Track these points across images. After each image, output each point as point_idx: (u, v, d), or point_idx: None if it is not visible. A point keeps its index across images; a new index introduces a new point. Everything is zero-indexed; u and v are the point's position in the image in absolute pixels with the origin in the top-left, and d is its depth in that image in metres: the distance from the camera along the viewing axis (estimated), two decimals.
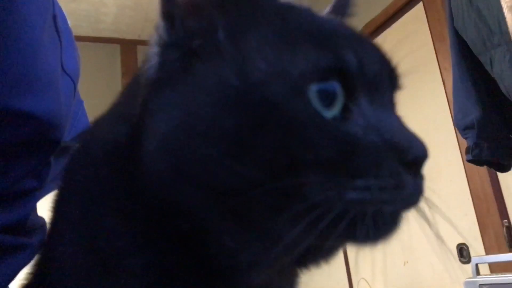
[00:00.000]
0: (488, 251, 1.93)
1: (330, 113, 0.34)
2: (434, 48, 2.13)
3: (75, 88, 0.56)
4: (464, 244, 2.05)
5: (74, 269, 0.37)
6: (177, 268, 0.36)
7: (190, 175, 0.34)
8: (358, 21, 2.20)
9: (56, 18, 0.51)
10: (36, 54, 0.46)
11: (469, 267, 1.70)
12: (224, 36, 0.36)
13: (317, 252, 0.37)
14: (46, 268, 0.41)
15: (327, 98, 0.34)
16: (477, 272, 1.67)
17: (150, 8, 3.19)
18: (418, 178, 0.35)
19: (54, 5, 0.51)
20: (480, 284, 1.59)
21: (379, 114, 0.35)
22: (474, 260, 1.69)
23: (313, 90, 0.33)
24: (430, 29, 2.17)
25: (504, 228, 1.87)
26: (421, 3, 2.25)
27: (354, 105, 0.35)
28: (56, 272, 0.39)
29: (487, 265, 1.88)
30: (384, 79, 0.37)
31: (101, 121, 0.43)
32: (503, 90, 1.19)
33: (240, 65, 0.34)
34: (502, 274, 1.65)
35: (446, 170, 2.09)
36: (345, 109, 0.34)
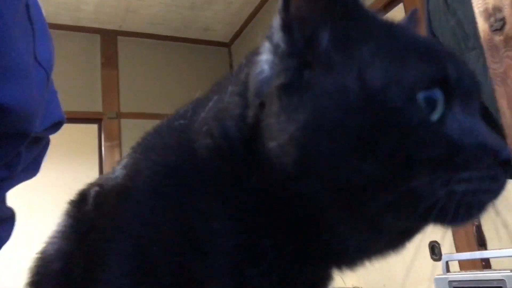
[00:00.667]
0: (458, 249, 1.97)
1: (432, 117, 0.39)
2: None
3: (48, 78, 0.55)
4: (436, 242, 2.09)
5: (168, 245, 0.42)
6: (268, 250, 0.41)
7: (316, 169, 0.38)
8: None
9: (29, 8, 0.50)
10: (7, 44, 0.45)
11: (440, 264, 1.74)
12: (329, 46, 0.41)
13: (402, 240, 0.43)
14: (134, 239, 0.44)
15: (432, 104, 0.39)
16: (447, 269, 1.71)
17: None
18: (507, 176, 0.40)
19: None
20: (449, 281, 1.62)
21: (470, 119, 0.41)
22: (444, 257, 1.74)
23: (420, 96, 0.38)
24: None
25: (474, 227, 1.92)
26: (401, 4, 2.28)
27: (449, 111, 0.40)
28: (148, 247, 0.43)
29: (457, 262, 1.92)
30: (474, 90, 0.42)
31: (202, 118, 0.46)
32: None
33: (357, 74, 0.39)
34: (470, 271, 1.70)
35: None
36: (443, 114, 0.39)
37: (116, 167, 0.53)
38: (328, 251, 0.41)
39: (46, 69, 0.54)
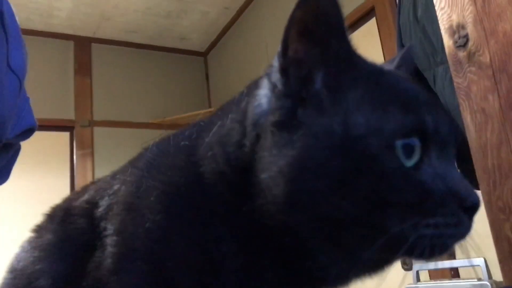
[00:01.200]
0: None
1: (409, 163, 0.42)
2: (384, 60, 2.20)
3: (21, 86, 0.55)
4: None
5: (185, 262, 0.45)
6: (267, 270, 0.45)
7: (301, 202, 0.42)
8: None
9: (3, 15, 0.50)
10: None
11: (411, 274, 1.77)
12: (322, 88, 0.44)
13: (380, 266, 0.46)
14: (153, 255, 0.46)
15: (409, 151, 0.42)
16: (418, 279, 1.74)
17: (106, 6, 3.13)
18: (471, 221, 0.44)
19: (2, 2, 0.50)
20: None
21: (444, 166, 0.44)
22: (415, 267, 1.77)
23: (398, 144, 0.41)
24: (382, 44, 2.26)
25: None
26: (374, 19, 2.33)
27: (426, 158, 0.43)
28: (167, 263, 0.45)
29: (427, 272, 1.95)
30: (451, 139, 0.46)
31: (206, 143, 0.48)
32: (444, 106, 1.25)
33: (342, 118, 0.42)
34: (439, 281, 1.73)
35: None
36: (419, 160, 0.43)
37: (111, 181, 0.54)
38: (312, 277, 0.45)
39: (19, 76, 0.54)
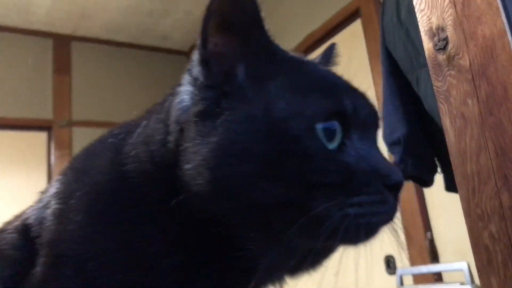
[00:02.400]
0: (413, 263, 2.00)
1: (331, 146, 0.43)
2: (370, 64, 2.18)
3: None
4: (391, 256, 2.11)
5: (108, 262, 0.43)
6: (205, 267, 0.43)
7: (225, 188, 0.41)
8: (298, 33, 2.17)
9: None
10: None
11: (394, 279, 1.75)
12: (244, 80, 0.45)
13: (311, 258, 0.45)
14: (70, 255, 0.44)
15: (330, 134, 0.43)
16: (401, 283, 1.72)
17: (87, 3, 3.06)
18: (397, 199, 0.44)
19: None
20: None
21: (366, 147, 0.45)
22: (399, 271, 1.75)
23: (319, 127, 0.43)
24: (367, 46, 2.23)
25: (427, 241, 1.94)
26: (359, 20, 2.30)
27: (348, 140, 0.44)
28: (89, 263, 0.43)
29: (411, 276, 1.94)
30: (370, 121, 0.48)
31: (131, 143, 0.48)
32: (427, 109, 1.23)
33: (265, 104, 0.43)
34: (423, 285, 1.72)
35: None
36: (342, 143, 0.44)
37: (42, 196, 0.53)
38: (245, 269, 0.43)
39: None
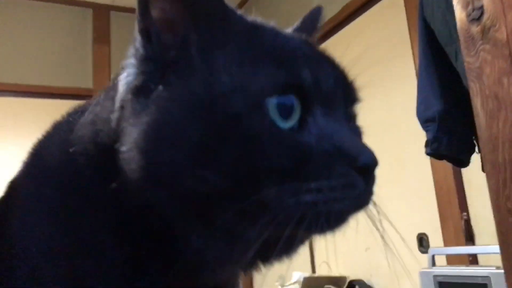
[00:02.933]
0: (446, 243, 1.94)
1: (288, 124, 0.38)
2: (410, 36, 2.08)
3: None
4: (424, 234, 2.05)
5: (55, 251, 0.40)
6: (150, 262, 0.39)
7: (157, 175, 0.37)
8: (335, 4, 2.08)
9: None
10: None
11: (427, 257, 1.70)
12: (196, 51, 0.39)
13: (278, 247, 0.39)
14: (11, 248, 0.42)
15: (286, 111, 0.38)
16: (433, 263, 1.68)
17: None
18: (369, 182, 0.39)
19: None
20: (434, 275, 1.60)
21: (332, 125, 0.39)
22: (431, 251, 1.70)
23: (272, 103, 0.37)
24: (407, 17, 2.12)
25: (463, 221, 1.88)
26: None
27: (310, 117, 0.39)
28: (30, 255, 0.40)
29: (444, 256, 1.88)
30: (338, 93, 0.41)
31: (80, 123, 0.44)
32: (465, 84, 1.16)
33: (207, 78, 0.38)
34: (456, 266, 1.67)
35: (412, 160, 2.07)
36: (303, 120, 0.39)
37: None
38: (188, 262, 0.39)
39: None
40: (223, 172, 0.35)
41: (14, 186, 0.46)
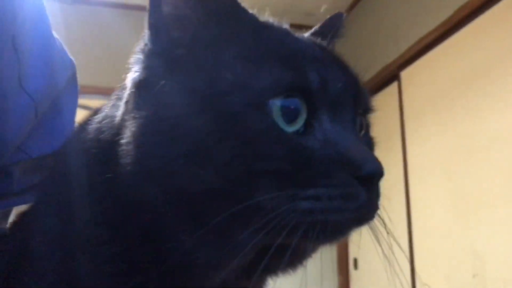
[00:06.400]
0: None
1: (292, 127, 0.36)
2: None
3: (36, 109, 0.56)
4: None
5: (55, 239, 0.41)
6: (140, 261, 0.38)
7: (151, 170, 0.36)
8: (452, 3, 1.92)
9: (15, 39, 0.51)
10: None
11: None
12: (203, 47, 0.39)
13: (281, 258, 0.37)
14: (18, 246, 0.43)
15: (291, 114, 0.36)
16: None
17: None
18: (373, 195, 0.37)
19: (16, 26, 0.51)
20: None
21: (338, 130, 0.37)
22: None
23: (276, 104, 0.36)
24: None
25: None
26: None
27: (316, 121, 0.37)
28: (32, 251, 0.41)
29: None
30: (347, 99, 0.39)
31: (92, 122, 0.45)
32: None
33: (210, 74, 0.37)
34: None
35: None
36: (308, 124, 0.37)
37: None
38: (178, 262, 0.37)
39: (34, 98, 0.55)
40: (219, 172, 0.34)
41: (41, 185, 0.49)
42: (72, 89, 0.67)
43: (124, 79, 0.45)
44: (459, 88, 2.19)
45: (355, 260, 3.21)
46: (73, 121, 0.67)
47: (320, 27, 0.51)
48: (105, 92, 3.08)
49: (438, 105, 2.32)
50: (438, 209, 2.32)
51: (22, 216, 0.48)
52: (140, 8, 3.35)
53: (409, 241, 2.49)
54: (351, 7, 3.42)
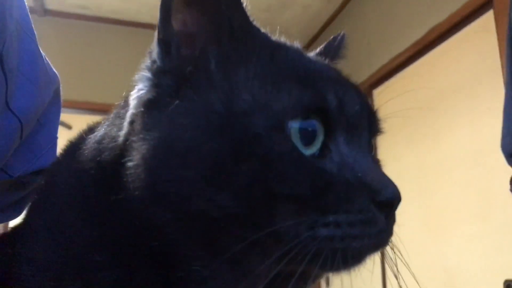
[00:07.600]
0: None
1: (309, 150, 0.35)
2: (501, 62, 1.92)
3: (22, 128, 0.54)
4: (511, 281, 1.85)
5: (48, 271, 0.38)
6: (144, 286, 0.36)
7: (164, 195, 0.34)
8: (423, 25, 1.99)
9: (3, 57, 0.50)
10: None
11: None
12: (215, 65, 0.38)
13: (288, 282, 0.36)
14: (14, 265, 0.40)
15: (308, 136, 0.35)
16: None
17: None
18: (391, 220, 0.36)
19: (4, 45, 0.50)
20: None
21: (355, 153, 0.37)
22: None
23: (294, 127, 0.35)
24: (499, 42, 1.96)
25: None
26: (491, 11, 2.04)
27: (333, 144, 0.37)
28: (27, 271, 0.38)
29: None
30: (363, 121, 0.39)
31: (88, 141, 0.43)
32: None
33: (227, 94, 0.36)
34: None
35: (500, 196, 1.89)
36: (325, 147, 0.36)
37: None
38: None
39: (20, 118, 0.53)
40: (237, 196, 0.33)
41: (32, 206, 0.46)
42: (56, 103, 0.65)
43: (122, 96, 0.43)
44: (430, 106, 2.25)
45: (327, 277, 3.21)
46: (55, 136, 0.65)
47: (324, 48, 0.51)
48: (78, 106, 3.04)
49: (410, 123, 2.37)
50: (409, 225, 2.35)
51: (11, 234, 0.45)
52: (115, 22, 3.32)
53: (381, 256, 2.51)
54: (325, 26, 3.49)
